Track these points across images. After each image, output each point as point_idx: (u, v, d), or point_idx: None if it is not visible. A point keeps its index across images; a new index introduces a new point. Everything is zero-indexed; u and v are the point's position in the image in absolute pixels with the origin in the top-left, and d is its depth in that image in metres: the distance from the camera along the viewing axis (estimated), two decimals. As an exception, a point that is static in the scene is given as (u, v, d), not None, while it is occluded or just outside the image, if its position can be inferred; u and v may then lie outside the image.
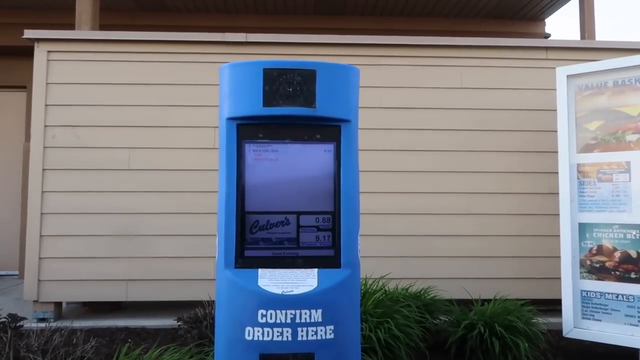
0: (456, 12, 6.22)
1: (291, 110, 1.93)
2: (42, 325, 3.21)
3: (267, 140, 1.97)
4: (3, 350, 2.47)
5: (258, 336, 1.79)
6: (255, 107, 1.94)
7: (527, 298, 3.42)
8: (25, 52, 4.27)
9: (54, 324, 3.05)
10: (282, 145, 1.97)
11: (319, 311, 1.80)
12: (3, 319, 2.91)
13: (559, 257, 3.24)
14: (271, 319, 1.79)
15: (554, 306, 3.62)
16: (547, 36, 6.60)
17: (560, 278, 3.22)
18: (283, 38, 4.02)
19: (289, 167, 1.96)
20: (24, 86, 5.72)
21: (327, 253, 1.93)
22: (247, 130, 1.97)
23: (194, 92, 3.91)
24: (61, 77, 3.90)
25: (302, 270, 1.89)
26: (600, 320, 3.10)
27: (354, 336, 1.90)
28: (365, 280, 3.24)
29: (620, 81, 3.20)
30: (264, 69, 1.93)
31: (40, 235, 3.78)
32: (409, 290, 3.39)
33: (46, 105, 3.87)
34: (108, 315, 3.89)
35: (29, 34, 3.86)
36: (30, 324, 3.33)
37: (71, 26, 4.35)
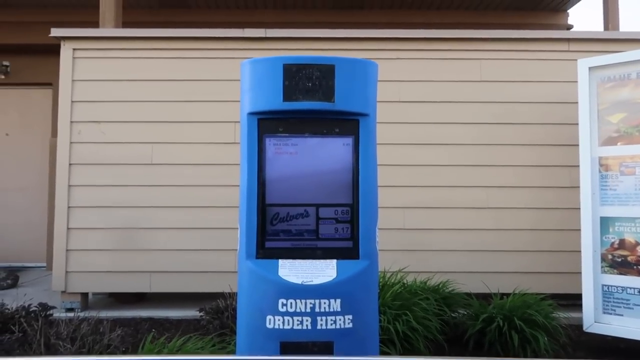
0: (476, 4, 6.15)
1: (310, 105, 1.97)
2: (70, 314, 3.32)
3: (287, 134, 2.01)
4: (34, 337, 2.57)
5: (279, 325, 1.83)
6: (275, 101, 1.98)
7: (547, 292, 3.39)
8: (51, 50, 4.38)
9: (81, 314, 3.15)
10: (301, 139, 2.01)
11: (338, 301, 1.84)
12: (34, 308, 3.03)
13: (580, 251, 3.22)
14: (291, 308, 1.83)
15: (574, 301, 3.59)
16: (569, 27, 6.48)
17: (581, 272, 3.20)
18: (302, 33, 4.04)
19: (309, 161, 2.00)
20: (50, 83, 5.86)
21: (346, 244, 1.96)
22: (268, 124, 2.01)
23: (215, 87, 3.97)
24: (86, 74, 4.00)
25: (322, 261, 1.93)
26: (622, 315, 3.07)
27: (372, 326, 1.93)
28: (384, 273, 3.26)
29: (644, 73, 3.15)
30: (284, 65, 1.97)
31: (67, 228, 3.89)
32: (427, 284, 3.40)
33: (72, 101, 3.97)
34: (133, 306, 4.00)
35: (55, 32, 3.97)
36: (59, 314, 3.44)
37: (95, 24, 4.45)
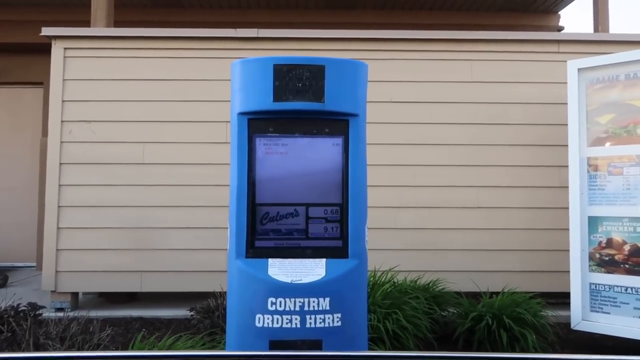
0: (468, 5, 6.19)
1: (301, 105, 1.98)
2: (60, 314, 3.31)
3: (277, 135, 2.02)
4: (23, 337, 2.56)
5: (268, 323, 1.85)
6: (265, 102, 1.99)
7: (536, 291, 3.43)
8: (42, 49, 4.36)
9: (71, 314, 3.14)
10: (291, 139, 2.02)
11: (327, 299, 1.85)
12: (23, 308, 3.02)
13: (569, 250, 3.25)
14: (280, 306, 1.84)
15: (563, 299, 3.63)
16: (560, 29, 6.54)
17: (569, 271, 3.23)
18: (294, 33, 4.05)
19: (299, 161, 2.01)
20: (41, 82, 5.83)
21: (335, 244, 1.98)
22: (258, 124, 2.02)
23: (207, 87, 3.97)
24: (77, 73, 3.98)
25: (311, 260, 1.94)
26: (609, 313, 3.10)
27: (361, 324, 1.95)
28: (374, 272, 3.28)
29: (632, 74, 3.19)
30: (274, 65, 1.98)
31: (58, 228, 3.88)
32: (417, 283, 3.42)
33: (63, 101, 3.95)
34: (123, 306, 3.99)
35: (46, 31, 3.95)
36: (48, 314, 3.43)
37: (87, 23, 4.43)
